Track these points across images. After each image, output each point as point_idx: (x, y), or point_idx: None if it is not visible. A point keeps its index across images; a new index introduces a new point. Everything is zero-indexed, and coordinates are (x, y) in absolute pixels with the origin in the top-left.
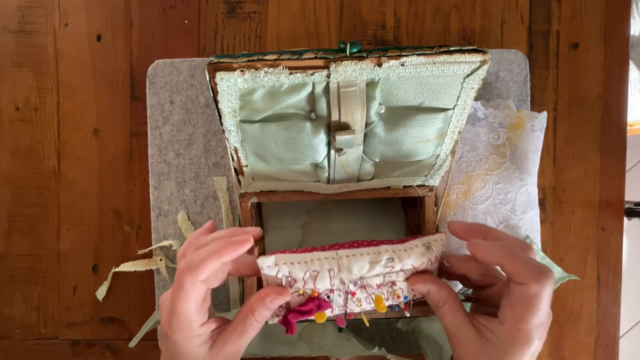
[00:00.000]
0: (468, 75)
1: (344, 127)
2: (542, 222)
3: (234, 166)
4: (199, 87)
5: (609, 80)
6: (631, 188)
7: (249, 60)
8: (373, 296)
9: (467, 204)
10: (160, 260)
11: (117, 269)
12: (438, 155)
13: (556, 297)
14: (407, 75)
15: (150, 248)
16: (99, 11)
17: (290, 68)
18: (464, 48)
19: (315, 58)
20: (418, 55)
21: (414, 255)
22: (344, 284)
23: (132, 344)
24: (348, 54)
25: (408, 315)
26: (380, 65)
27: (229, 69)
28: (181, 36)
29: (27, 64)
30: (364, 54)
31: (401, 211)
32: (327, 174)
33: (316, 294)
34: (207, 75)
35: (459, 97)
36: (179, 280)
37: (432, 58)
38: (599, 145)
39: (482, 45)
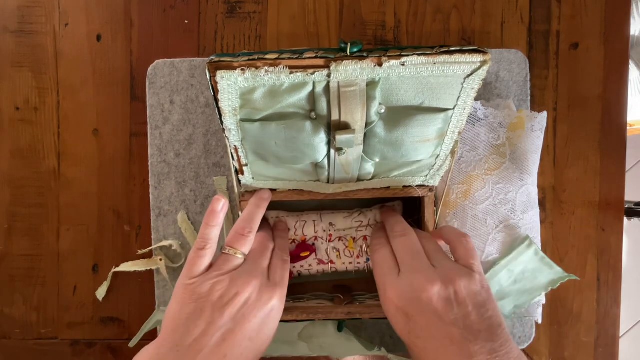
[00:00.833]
0: (468, 76)
1: (344, 127)
2: (542, 222)
3: (234, 165)
4: (199, 87)
5: (609, 80)
6: (631, 188)
7: (249, 59)
8: (347, 241)
9: (467, 204)
10: (160, 260)
11: (117, 269)
12: (438, 156)
13: (556, 297)
14: (408, 75)
15: (150, 248)
16: (99, 11)
17: (290, 67)
18: (464, 48)
19: (316, 57)
20: (418, 55)
21: (376, 213)
22: (325, 231)
23: (132, 343)
24: (349, 54)
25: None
26: (380, 65)
27: (230, 67)
28: (181, 36)
29: (27, 64)
30: (365, 54)
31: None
32: (327, 174)
33: (304, 239)
34: (208, 74)
35: (459, 97)
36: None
37: (432, 58)
38: (599, 145)
39: (482, 46)
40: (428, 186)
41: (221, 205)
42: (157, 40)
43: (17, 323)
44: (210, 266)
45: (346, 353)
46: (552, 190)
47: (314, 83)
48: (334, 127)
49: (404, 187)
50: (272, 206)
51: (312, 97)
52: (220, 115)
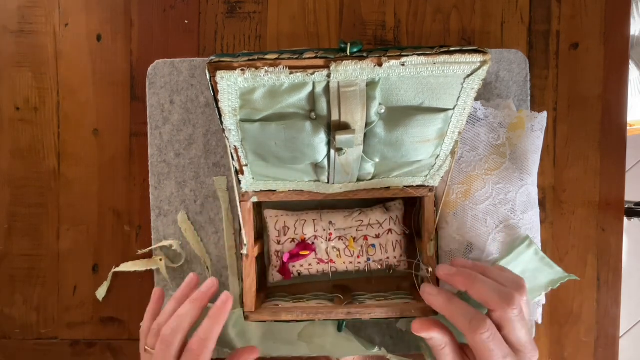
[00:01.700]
0: (468, 76)
1: (344, 127)
2: (542, 222)
3: (234, 166)
4: (199, 87)
5: (609, 80)
6: (631, 188)
7: (249, 60)
8: (347, 241)
9: (467, 204)
10: (160, 260)
11: (117, 269)
12: (438, 156)
13: (556, 297)
14: (408, 75)
15: (150, 248)
16: (99, 11)
17: (290, 67)
18: (464, 48)
19: (316, 58)
20: (418, 55)
21: (377, 213)
22: (324, 230)
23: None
24: (348, 54)
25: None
26: (380, 65)
27: (230, 68)
28: (181, 36)
29: (27, 64)
30: (365, 54)
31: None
32: (327, 174)
33: (303, 239)
34: (208, 75)
35: (459, 97)
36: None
37: (432, 58)
38: (599, 145)
39: (482, 46)
40: (428, 186)
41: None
42: (157, 40)
43: (17, 323)
44: None
45: (346, 353)
46: (552, 190)
47: (313, 83)
48: (334, 128)
49: (404, 187)
50: (273, 206)
51: (312, 97)
52: (220, 116)
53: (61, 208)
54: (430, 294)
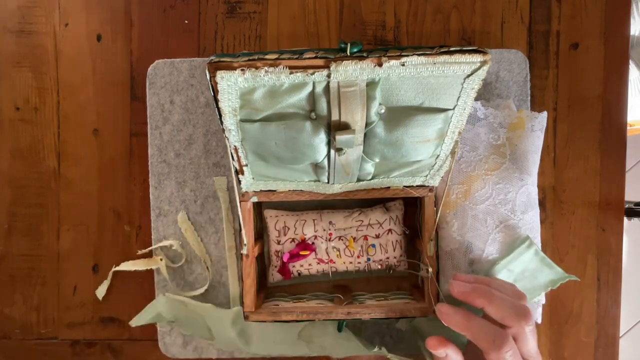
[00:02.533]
0: (468, 76)
1: (344, 127)
2: (542, 222)
3: (234, 166)
4: (199, 87)
5: (609, 80)
6: (631, 188)
7: (249, 60)
8: (347, 241)
9: (467, 204)
10: (161, 260)
11: (118, 268)
12: (438, 156)
13: (556, 297)
14: (408, 75)
15: (150, 248)
16: (99, 11)
17: (290, 67)
18: (464, 48)
19: (316, 58)
20: (418, 55)
21: (377, 213)
22: (324, 230)
23: (134, 323)
24: (348, 54)
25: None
26: (380, 65)
27: (230, 68)
28: (181, 36)
29: (27, 64)
30: (365, 54)
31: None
32: (327, 174)
33: (303, 239)
34: (208, 75)
35: (459, 97)
36: None
37: (432, 58)
38: (599, 145)
39: (482, 46)
40: (428, 186)
41: None
42: (157, 40)
43: (17, 323)
44: None
45: (346, 353)
46: (552, 190)
47: (313, 83)
48: (334, 128)
49: (404, 187)
50: (273, 206)
51: (312, 97)
52: (220, 116)
53: (61, 208)
54: (447, 314)
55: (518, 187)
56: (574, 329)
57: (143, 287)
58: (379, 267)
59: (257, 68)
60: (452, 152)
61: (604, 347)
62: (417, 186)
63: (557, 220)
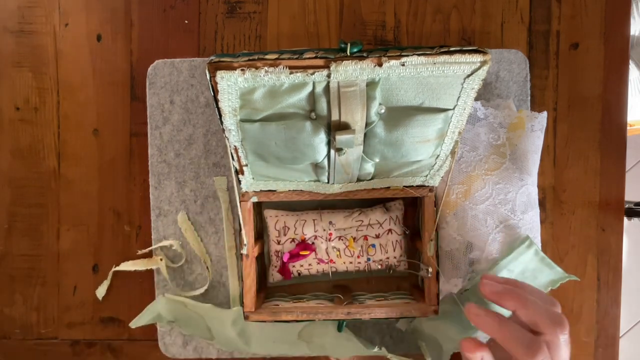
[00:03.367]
0: (468, 76)
1: (344, 127)
2: (542, 222)
3: (234, 166)
4: (199, 87)
5: (609, 80)
6: (631, 188)
7: (249, 60)
8: (347, 241)
9: (467, 204)
10: (161, 260)
11: (118, 268)
12: (438, 156)
13: (556, 297)
14: (408, 75)
15: (150, 248)
16: (99, 11)
17: (290, 67)
18: (464, 48)
19: (316, 58)
20: (418, 55)
21: (377, 213)
22: (324, 230)
23: (133, 324)
24: (348, 54)
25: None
26: (380, 65)
27: (230, 68)
28: (181, 36)
29: (27, 64)
30: (365, 54)
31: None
32: (327, 174)
33: (303, 239)
34: (208, 75)
35: (459, 97)
36: None
37: (432, 58)
38: (599, 145)
39: (482, 46)
40: (428, 186)
41: None
42: (157, 40)
43: (17, 323)
44: None
45: (346, 353)
46: (552, 190)
47: (313, 83)
48: (334, 128)
49: (404, 187)
50: (273, 206)
51: (312, 97)
52: (220, 116)
53: (61, 208)
54: (478, 315)
55: (518, 187)
56: (574, 329)
57: (143, 287)
58: (379, 267)
59: (257, 68)
60: (452, 152)
61: (604, 347)
62: (417, 186)
63: (557, 220)
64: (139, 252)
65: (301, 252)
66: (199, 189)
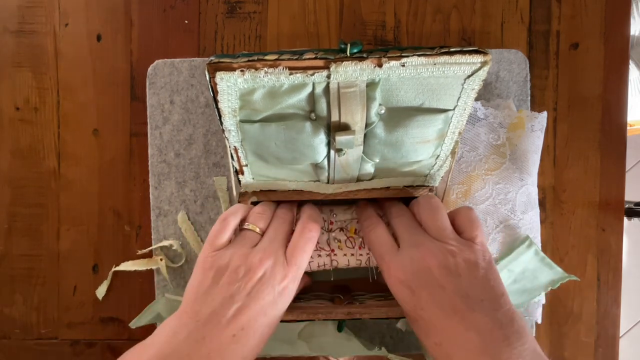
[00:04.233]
0: (469, 76)
1: (344, 128)
2: (542, 222)
3: (233, 166)
4: (199, 87)
5: (609, 80)
6: (631, 188)
7: (249, 60)
8: (348, 231)
9: (467, 204)
10: (161, 260)
11: (118, 268)
12: (438, 156)
13: (556, 297)
14: (408, 76)
15: (150, 248)
16: (99, 11)
17: (290, 68)
18: (464, 49)
19: (316, 58)
20: (419, 56)
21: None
22: (325, 221)
23: (133, 324)
24: (348, 55)
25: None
26: (380, 65)
27: (229, 68)
28: (181, 36)
29: (27, 64)
30: (365, 55)
31: None
32: (327, 174)
33: None
34: (207, 75)
35: (459, 97)
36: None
37: (432, 59)
38: (599, 145)
39: (482, 46)
40: (428, 186)
41: None
42: (157, 40)
43: (17, 323)
44: (231, 241)
45: (346, 353)
46: (552, 190)
47: (313, 84)
48: (334, 128)
49: (404, 187)
50: None
51: (311, 98)
52: (220, 116)
53: (61, 208)
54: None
55: (518, 187)
56: (574, 329)
57: (143, 287)
58: None
59: (256, 69)
60: (452, 152)
61: (604, 347)
62: (417, 186)
63: (557, 220)
64: (139, 252)
65: None
66: (199, 189)
